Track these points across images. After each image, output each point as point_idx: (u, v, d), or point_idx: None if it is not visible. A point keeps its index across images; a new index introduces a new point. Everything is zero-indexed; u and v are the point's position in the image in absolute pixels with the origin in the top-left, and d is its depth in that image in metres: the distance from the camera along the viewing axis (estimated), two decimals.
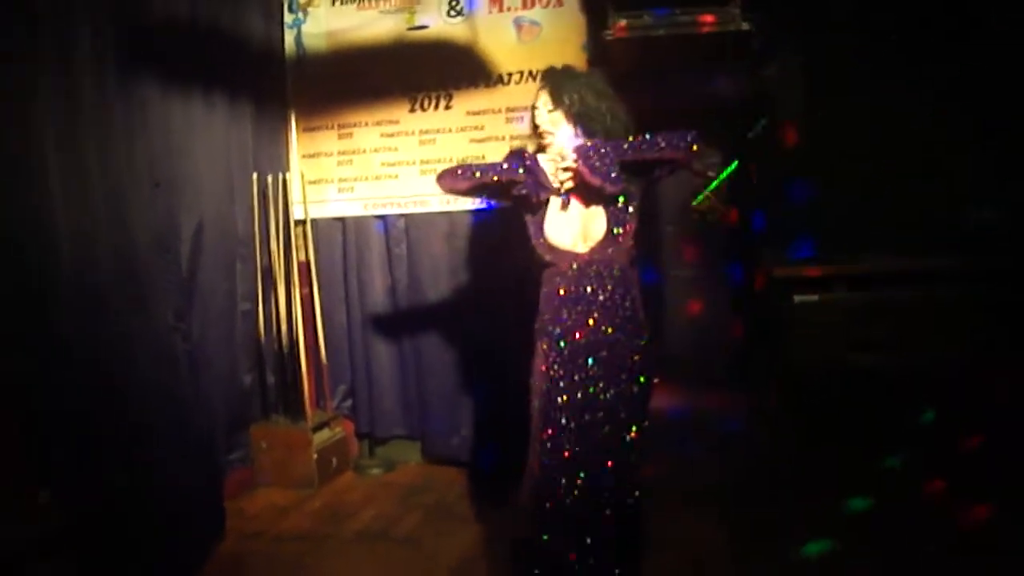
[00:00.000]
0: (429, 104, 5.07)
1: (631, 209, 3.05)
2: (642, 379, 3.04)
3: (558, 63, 3.29)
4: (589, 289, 3.00)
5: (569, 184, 3.04)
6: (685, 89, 6.19)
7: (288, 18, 5.29)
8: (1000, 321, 4.65)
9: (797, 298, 4.95)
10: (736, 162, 6.93)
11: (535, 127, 3.15)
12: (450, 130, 5.05)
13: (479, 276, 4.02)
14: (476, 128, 4.94)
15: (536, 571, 3.01)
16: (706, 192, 7.36)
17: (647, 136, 2.96)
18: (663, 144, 2.91)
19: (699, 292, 7.38)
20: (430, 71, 5.06)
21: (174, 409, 4.00)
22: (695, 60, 5.41)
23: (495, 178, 3.13)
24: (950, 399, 4.69)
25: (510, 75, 4.89)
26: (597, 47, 4.77)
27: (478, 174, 3.14)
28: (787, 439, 5.09)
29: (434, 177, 3.30)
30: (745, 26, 4.56)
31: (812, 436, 4.89)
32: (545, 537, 2.96)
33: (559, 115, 3.07)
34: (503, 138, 4.91)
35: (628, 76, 5.35)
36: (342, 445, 5.29)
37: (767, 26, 4.82)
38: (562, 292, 3.04)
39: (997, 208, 5.13)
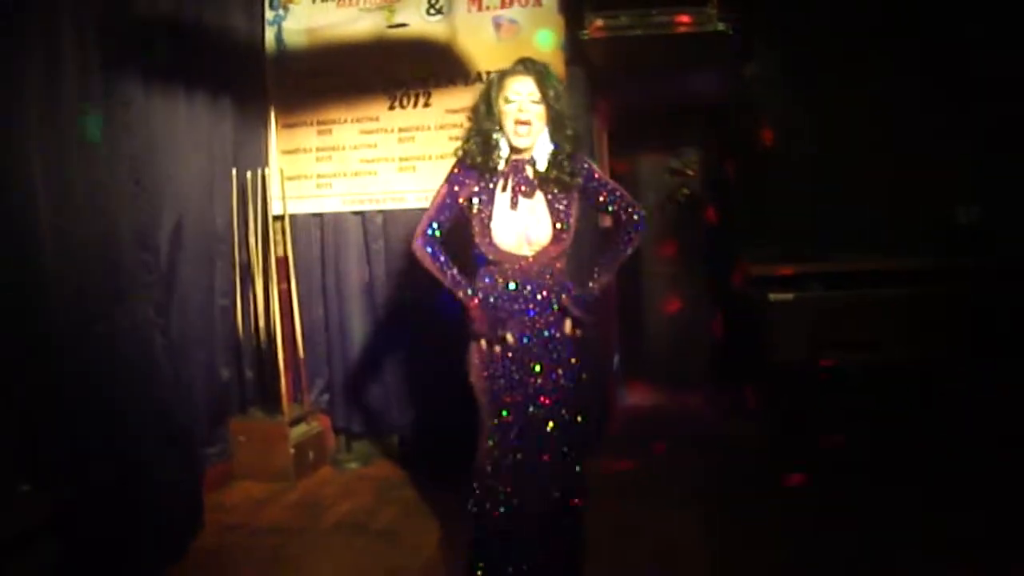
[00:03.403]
0: (408, 102, 5.09)
1: (574, 210, 3.06)
2: (582, 376, 3.08)
3: None
4: (528, 289, 3.00)
5: (525, 142, 3.00)
6: (663, 88, 6.24)
7: (269, 14, 5.29)
8: (975, 319, 4.71)
9: (772, 296, 5.01)
10: None
11: (515, 119, 2.98)
12: (429, 127, 5.08)
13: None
14: (455, 126, 4.92)
15: (484, 565, 3.09)
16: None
17: (616, 193, 3.11)
18: (618, 211, 3.12)
19: (677, 289, 7.41)
20: (409, 69, 5.09)
21: (154, 402, 4.02)
22: (672, 60, 5.45)
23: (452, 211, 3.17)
24: (925, 397, 4.77)
25: (489, 73, 4.87)
26: (574, 46, 4.81)
27: (437, 227, 3.22)
28: (764, 437, 5.15)
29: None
30: (721, 27, 4.61)
31: (789, 434, 4.95)
32: (487, 533, 3.09)
33: (542, 110, 2.98)
34: None
35: (606, 75, 5.42)
36: (319, 439, 5.32)
37: (746, 26, 4.86)
38: (501, 290, 3.03)
39: (976, 207, 5.21)
